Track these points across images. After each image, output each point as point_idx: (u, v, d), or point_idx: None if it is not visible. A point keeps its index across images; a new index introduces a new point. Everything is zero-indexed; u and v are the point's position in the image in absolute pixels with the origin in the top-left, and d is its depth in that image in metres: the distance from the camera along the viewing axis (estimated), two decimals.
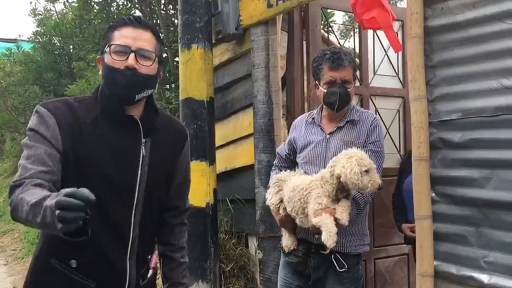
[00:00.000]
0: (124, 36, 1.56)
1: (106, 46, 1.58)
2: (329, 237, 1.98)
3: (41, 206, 1.28)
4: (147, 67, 1.58)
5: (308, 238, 2.35)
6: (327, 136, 2.38)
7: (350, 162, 2.03)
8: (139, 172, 1.63)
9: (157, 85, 1.71)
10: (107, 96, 1.60)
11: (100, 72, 1.63)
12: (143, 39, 1.58)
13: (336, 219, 2.04)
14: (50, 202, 1.25)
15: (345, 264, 2.28)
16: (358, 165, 2.02)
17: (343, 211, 2.07)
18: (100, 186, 1.50)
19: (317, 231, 2.09)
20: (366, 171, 2.03)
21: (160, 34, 6.63)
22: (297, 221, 2.25)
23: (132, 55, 1.54)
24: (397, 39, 3.26)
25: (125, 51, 1.54)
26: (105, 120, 1.59)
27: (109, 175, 1.56)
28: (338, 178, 2.05)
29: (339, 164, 2.07)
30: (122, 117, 1.62)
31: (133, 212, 1.62)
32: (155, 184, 1.66)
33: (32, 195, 1.35)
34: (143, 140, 1.65)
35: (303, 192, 2.17)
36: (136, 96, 1.58)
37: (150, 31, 1.61)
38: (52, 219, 1.21)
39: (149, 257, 1.76)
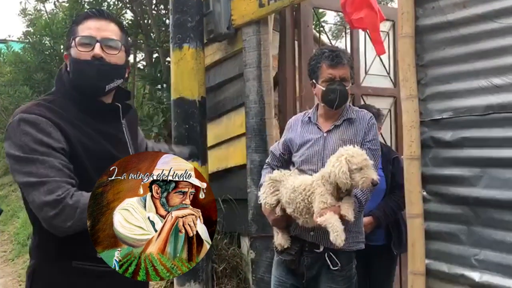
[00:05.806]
0: (88, 28, 1.58)
1: (71, 40, 1.58)
2: (336, 237, 1.98)
3: None
4: (114, 56, 1.59)
5: (301, 236, 2.34)
6: (325, 134, 2.37)
7: (340, 161, 2.04)
8: (131, 152, 1.68)
9: (126, 75, 1.72)
10: (75, 87, 1.58)
11: (68, 68, 1.61)
12: (108, 30, 1.60)
13: (341, 216, 2.04)
14: None
15: (338, 262, 2.28)
16: (348, 164, 2.03)
17: (348, 208, 2.06)
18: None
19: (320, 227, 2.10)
20: (359, 169, 2.03)
21: (152, 34, 6.59)
22: (300, 221, 2.23)
23: (98, 45, 1.56)
24: (381, 42, 3.25)
25: (90, 42, 1.56)
26: (85, 113, 1.59)
27: (104, 167, 1.49)
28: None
29: (330, 164, 2.07)
30: (101, 106, 1.63)
31: None
32: None
33: None
34: (123, 122, 1.70)
35: (306, 193, 2.15)
36: (106, 87, 1.60)
37: (114, 22, 1.64)
38: None
39: None
